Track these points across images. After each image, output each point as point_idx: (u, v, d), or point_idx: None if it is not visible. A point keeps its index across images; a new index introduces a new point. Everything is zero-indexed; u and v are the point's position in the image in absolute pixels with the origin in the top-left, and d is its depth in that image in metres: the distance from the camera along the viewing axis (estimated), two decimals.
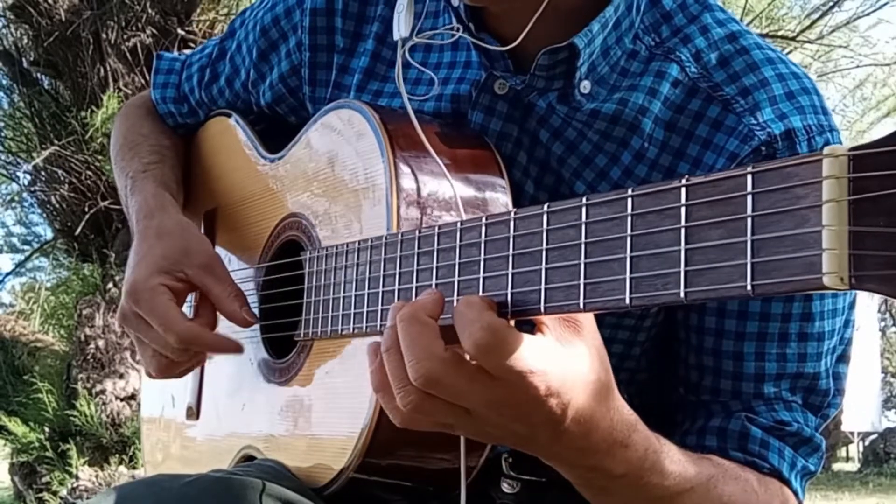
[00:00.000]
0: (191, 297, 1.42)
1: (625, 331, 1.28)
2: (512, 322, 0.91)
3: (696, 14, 1.29)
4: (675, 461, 1.06)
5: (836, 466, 16.00)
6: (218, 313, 1.38)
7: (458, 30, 1.28)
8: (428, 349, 0.90)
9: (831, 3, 8.14)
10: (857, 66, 9.39)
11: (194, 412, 1.56)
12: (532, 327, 0.93)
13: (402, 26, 1.29)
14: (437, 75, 1.33)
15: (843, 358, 1.29)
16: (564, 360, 0.91)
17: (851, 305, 1.27)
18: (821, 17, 8.24)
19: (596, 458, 0.99)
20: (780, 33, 8.02)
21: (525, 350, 0.88)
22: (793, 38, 8.04)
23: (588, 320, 0.94)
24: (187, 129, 1.71)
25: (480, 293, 0.93)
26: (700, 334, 1.26)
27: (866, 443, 16.48)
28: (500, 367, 0.88)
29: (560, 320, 0.92)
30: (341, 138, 1.30)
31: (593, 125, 1.27)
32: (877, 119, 10.25)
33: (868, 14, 8.54)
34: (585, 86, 1.25)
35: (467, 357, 0.90)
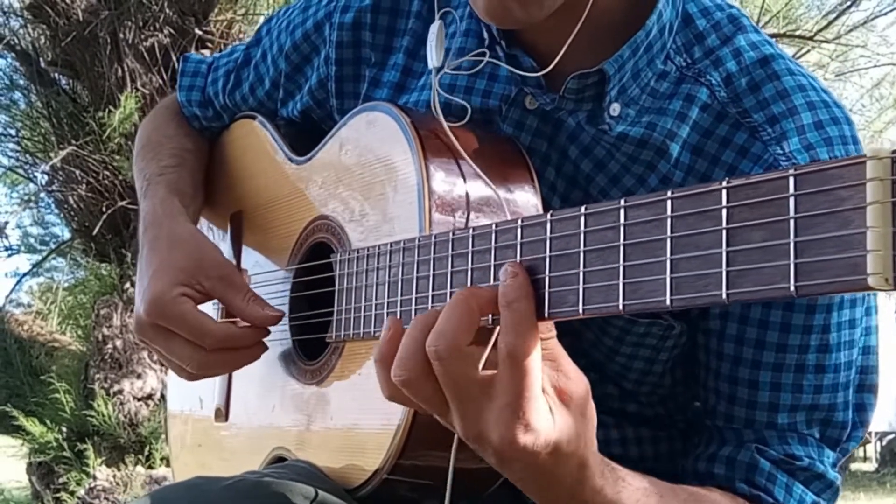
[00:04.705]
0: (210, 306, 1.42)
1: (646, 349, 1.28)
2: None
3: (729, 35, 1.28)
4: None
5: (854, 466, 15.94)
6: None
7: (485, 55, 1.28)
8: (465, 373, 0.93)
9: (849, 3, 8.10)
10: (875, 66, 9.34)
11: (223, 414, 1.55)
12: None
13: (433, 56, 1.29)
14: (458, 82, 1.33)
15: (865, 387, 1.27)
16: (562, 430, 0.94)
17: (868, 331, 1.26)
18: (838, 17, 8.20)
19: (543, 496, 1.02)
20: (797, 33, 7.99)
21: (538, 409, 0.92)
22: (810, 38, 8.02)
23: (586, 395, 0.96)
24: (213, 131, 1.71)
25: None
26: (718, 360, 1.25)
27: (884, 443, 16.41)
28: (512, 397, 0.91)
29: (566, 396, 0.95)
30: (371, 140, 1.29)
31: (621, 147, 1.26)
32: (894, 118, 10.20)
33: (885, 14, 8.50)
34: (615, 108, 1.25)
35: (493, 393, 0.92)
